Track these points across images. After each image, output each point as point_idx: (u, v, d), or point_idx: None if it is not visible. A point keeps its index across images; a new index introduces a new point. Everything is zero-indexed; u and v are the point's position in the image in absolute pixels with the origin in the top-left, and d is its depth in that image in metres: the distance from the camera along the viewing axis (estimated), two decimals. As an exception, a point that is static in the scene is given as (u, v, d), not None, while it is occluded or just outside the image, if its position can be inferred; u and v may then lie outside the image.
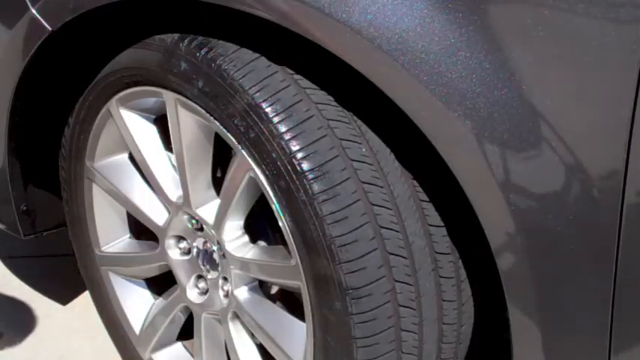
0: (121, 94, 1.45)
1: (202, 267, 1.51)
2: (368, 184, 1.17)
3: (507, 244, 1.05)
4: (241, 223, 1.39)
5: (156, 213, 1.54)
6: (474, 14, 0.99)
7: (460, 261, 1.25)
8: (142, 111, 1.49)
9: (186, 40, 1.28)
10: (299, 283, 1.25)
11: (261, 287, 1.45)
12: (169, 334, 1.67)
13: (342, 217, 1.15)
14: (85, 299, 1.97)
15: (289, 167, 1.17)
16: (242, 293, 1.42)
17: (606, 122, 0.96)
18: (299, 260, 1.22)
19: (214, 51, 1.25)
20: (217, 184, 1.42)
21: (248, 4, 1.16)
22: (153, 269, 1.63)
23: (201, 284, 1.53)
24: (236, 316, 1.45)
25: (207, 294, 1.51)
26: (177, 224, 1.51)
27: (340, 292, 1.18)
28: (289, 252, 1.24)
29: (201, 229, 1.47)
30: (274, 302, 1.45)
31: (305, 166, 1.16)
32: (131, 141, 1.50)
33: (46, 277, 2.12)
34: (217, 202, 1.39)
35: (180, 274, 1.55)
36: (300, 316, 1.31)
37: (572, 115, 0.98)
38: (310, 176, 1.16)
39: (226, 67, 1.22)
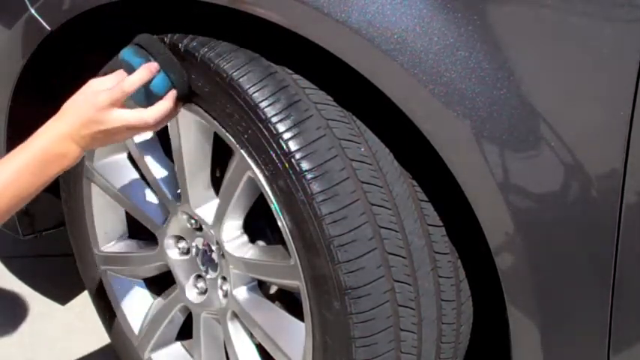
0: (120, 93, 1.45)
1: (201, 267, 1.51)
2: (367, 183, 1.17)
3: (506, 244, 1.05)
4: (240, 222, 1.39)
5: (155, 213, 1.54)
6: (473, 14, 0.99)
7: (459, 261, 1.25)
8: (141, 111, 1.48)
9: (185, 40, 1.28)
10: (298, 283, 1.25)
11: (260, 287, 1.45)
12: (168, 333, 1.66)
13: (341, 217, 1.15)
14: (84, 299, 1.97)
15: (288, 167, 1.17)
16: (241, 293, 1.42)
17: (605, 122, 0.96)
18: (298, 260, 1.22)
19: (213, 50, 1.25)
20: (216, 184, 1.41)
21: (248, 4, 1.16)
22: (152, 269, 1.63)
23: (200, 284, 1.53)
24: (235, 315, 1.45)
25: (206, 294, 1.51)
26: (176, 224, 1.51)
27: (339, 291, 1.18)
28: (288, 252, 1.24)
29: (200, 228, 1.47)
30: (273, 302, 1.45)
31: (304, 165, 1.16)
32: (130, 141, 1.50)
33: (46, 277, 2.12)
34: (216, 201, 1.39)
35: (179, 273, 1.55)
36: (299, 315, 1.31)
37: (571, 115, 0.98)
38: (309, 176, 1.16)
39: (225, 67, 1.22)
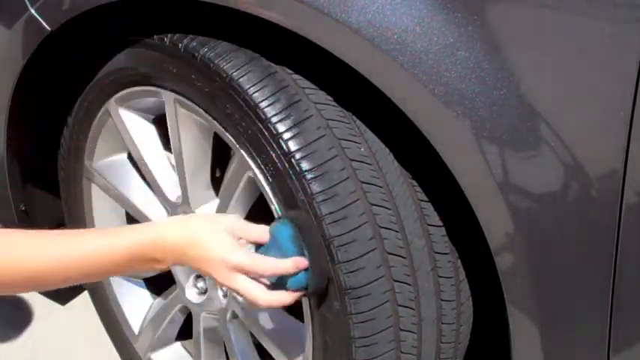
0: (120, 93, 1.45)
1: (201, 267, 1.50)
2: (367, 183, 1.17)
3: (506, 244, 1.05)
4: (240, 222, 1.38)
5: (155, 213, 1.54)
6: (473, 14, 0.99)
7: (459, 261, 1.25)
8: (141, 111, 1.49)
9: (185, 40, 1.28)
10: (298, 283, 1.25)
11: (260, 287, 1.44)
12: (168, 333, 1.66)
13: (340, 217, 1.15)
14: (84, 299, 1.97)
15: (288, 167, 1.17)
16: (241, 293, 1.42)
17: (605, 122, 0.96)
18: (298, 260, 1.22)
19: (213, 51, 1.25)
20: (216, 184, 1.41)
21: (248, 4, 1.16)
22: (152, 269, 1.63)
23: (200, 284, 1.53)
24: (235, 316, 1.45)
25: (206, 294, 1.51)
26: (177, 224, 1.51)
27: (339, 291, 1.18)
28: (288, 252, 1.24)
29: (200, 228, 1.47)
30: (273, 302, 1.45)
31: (304, 165, 1.16)
32: (130, 141, 1.50)
33: (46, 277, 2.12)
34: (216, 202, 1.39)
35: (179, 273, 1.54)
36: (299, 316, 1.31)
37: (571, 115, 0.98)
38: (309, 176, 1.16)
39: (225, 67, 1.22)
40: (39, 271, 1.04)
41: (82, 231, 1.11)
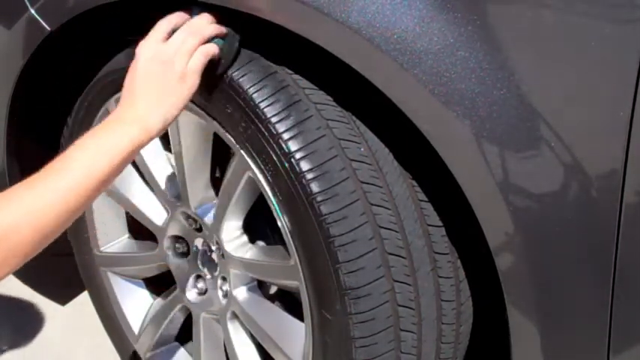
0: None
1: (201, 267, 1.50)
2: (367, 184, 1.17)
3: (506, 244, 1.05)
4: (240, 223, 1.38)
5: (155, 213, 1.54)
6: (473, 14, 0.99)
7: (459, 261, 1.25)
8: (141, 111, 1.48)
9: (185, 40, 1.28)
10: (298, 283, 1.25)
11: (260, 287, 1.45)
12: (168, 334, 1.66)
13: (340, 217, 1.15)
14: (84, 299, 1.97)
15: (288, 167, 1.17)
16: (241, 293, 1.42)
17: (605, 122, 0.96)
18: (298, 260, 1.22)
19: (213, 51, 1.25)
20: (216, 184, 1.41)
21: (247, 5, 1.16)
22: (152, 269, 1.63)
23: (200, 284, 1.53)
24: (235, 316, 1.45)
25: (206, 294, 1.51)
26: (176, 224, 1.51)
27: (339, 292, 1.18)
28: (288, 252, 1.24)
29: (200, 229, 1.47)
30: (273, 302, 1.45)
31: (304, 165, 1.16)
32: (130, 141, 1.50)
33: (46, 277, 2.12)
34: (216, 202, 1.39)
35: (178, 274, 1.54)
36: (299, 316, 1.31)
37: (571, 115, 0.98)
38: (309, 176, 1.16)
39: (225, 67, 1.22)
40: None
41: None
